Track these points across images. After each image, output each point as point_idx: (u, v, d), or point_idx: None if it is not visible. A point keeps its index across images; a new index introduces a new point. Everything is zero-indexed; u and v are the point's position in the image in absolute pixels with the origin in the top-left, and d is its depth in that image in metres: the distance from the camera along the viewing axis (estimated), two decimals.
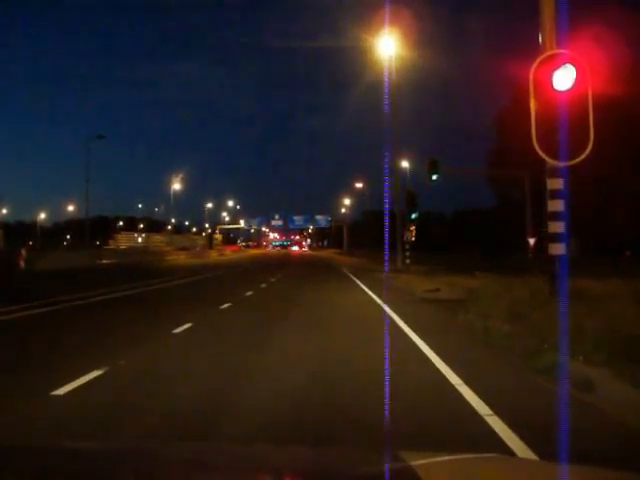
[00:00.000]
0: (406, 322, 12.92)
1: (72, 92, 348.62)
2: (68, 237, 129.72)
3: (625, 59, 38.64)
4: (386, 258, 35.20)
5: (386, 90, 35.19)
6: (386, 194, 36.71)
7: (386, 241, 32.68)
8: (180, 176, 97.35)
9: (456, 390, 7.05)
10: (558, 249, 10.75)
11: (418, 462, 2.72)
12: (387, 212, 35.30)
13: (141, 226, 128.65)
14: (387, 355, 8.44)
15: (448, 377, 7.67)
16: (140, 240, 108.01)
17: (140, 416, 6.12)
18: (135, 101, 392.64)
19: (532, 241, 39.83)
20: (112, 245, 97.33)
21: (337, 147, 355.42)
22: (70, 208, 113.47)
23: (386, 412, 5.81)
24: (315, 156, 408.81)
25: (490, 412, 6.06)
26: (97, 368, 8.01)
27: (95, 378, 7.63)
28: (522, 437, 5.26)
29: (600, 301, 10.68)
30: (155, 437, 5.53)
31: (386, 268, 34.55)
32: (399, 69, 36.75)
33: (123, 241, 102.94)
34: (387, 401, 6.14)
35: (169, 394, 6.99)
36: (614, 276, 14.99)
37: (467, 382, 7.28)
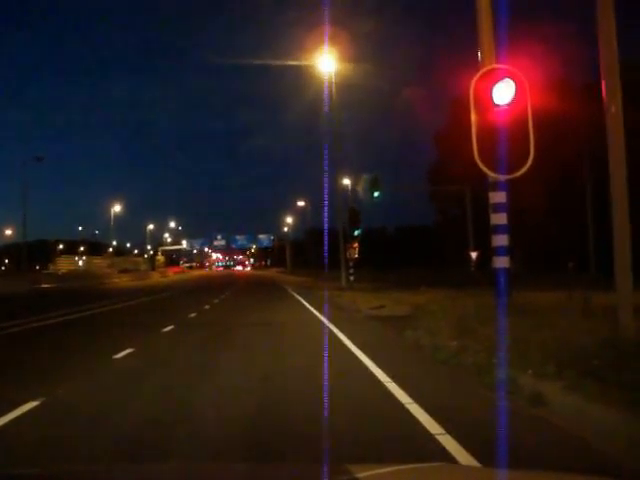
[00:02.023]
0: (352, 340, 12.80)
1: (9, 113, 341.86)
2: (6, 262, 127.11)
3: (557, 75, 39.56)
4: (330, 276, 35.25)
5: (325, 108, 35.31)
6: (325, 212, 36.66)
7: (325, 259, 32.74)
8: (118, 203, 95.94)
9: (406, 409, 6.92)
10: (501, 262, 10.76)
11: (364, 474, 2.74)
12: (326, 230, 35.37)
13: (82, 249, 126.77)
14: (333, 375, 8.31)
15: (397, 396, 7.55)
16: (81, 263, 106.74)
17: (77, 450, 5.82)
18: (74, 122, 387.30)
19: (474, 255, 40.34)
20: (52, 269, 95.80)
21: (279, 165, 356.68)
22: (8, 232, 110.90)
23: (332, 433, 5.67)
24: (257, 175, 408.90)
25: (442, 431, 5.94)
26: (33, 399, 7.63)
27: (30, 410, 7.26)
28: (475, 455, 5.16)
29: (545, 314, 10.73)
30: (103, 461, 5.30)
31: (330, 286, 34.54)
32: (340, 87, 36.94)
33: (63, 265, 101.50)
34: (333, 423, 6.00)
35: (109, 425, 6.68)
36: (558, 288, 15.17)
37: (417, 400, 7.16)
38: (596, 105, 9.37)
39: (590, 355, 7.24)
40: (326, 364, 9.19)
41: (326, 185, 35.77)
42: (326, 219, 37.52)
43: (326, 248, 33.71)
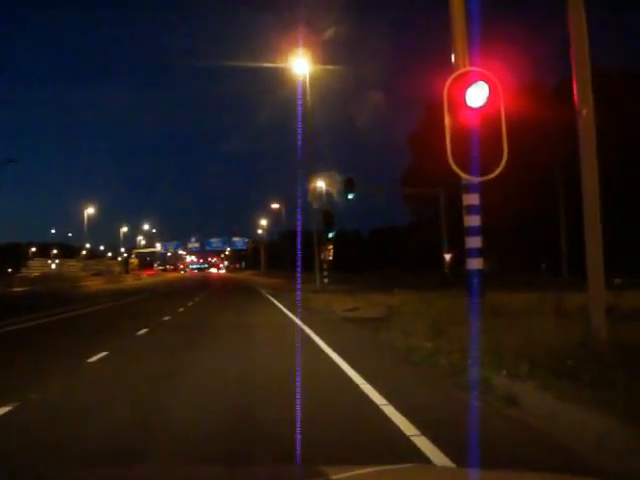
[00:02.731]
0: (326, 342, 12.80)
1: None
2: None
3: (532, 77, 39.96)
4: (304, 278, 35.28)
5: (299, 111, 35.33)
6: (299, 213, 36.78)
7: (299, 261, 32.75)
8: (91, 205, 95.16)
9: (381, 410, 6.94)
10: (475, 263, 10.82)
11: (339, 476, 2.75)
12: (300, 231, 35.35)
13: (55, 252, 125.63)
14: (307, 377, 8.29)
15: (372, 397, 7.57)
16: (54, 266, 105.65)
17: (50, 455, 5.73)
18: (46, 124, 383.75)
19: (448, 257, 40.50)
20: (24, 272, 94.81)
21: (254, 168, 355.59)
22: None
23: (307, 435, 5.66)
24: (232, 178, 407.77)
25: (417, 432, 5.96)
26: (6, 404, 7.53)
27: (3, 415, 7.18)
28: (450, 456, 5.18)
29: (519, 315, 10.80)
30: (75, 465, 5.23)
31: (304, 288, 34.54)
32: (314, 90, 36.96)
33: (36, 267, 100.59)
34: (307, 425, 5.98)
35: (85, 429, 6.61)
36: (532, 289, 15.32)
37: (392, 402, 7.18)
38: (569, 107, 9.43)
39: (563, 355, 7.30)
40: (300, 366, 9.16)
41: (300, 188, 35.88)
42: (300, 221, 37.54)
43: (302, 251, 33.71)
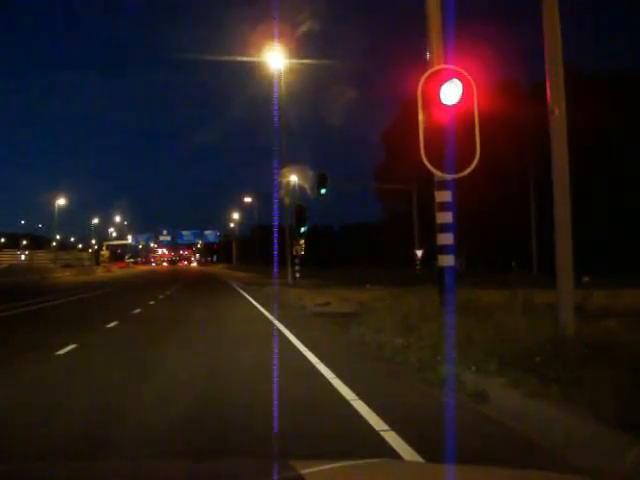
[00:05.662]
0: (298, 337, 12.81)
1: None
2: None
3: (506, 76, 40.24)
4: (276, 272, 35.32)
5: (275, 106, 35.24)
6: (275, 209, 36.74)
7: (275, 255, 32.75)
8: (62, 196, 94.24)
9: (351, 405, 6.96)
10: (447, 260, 10.89)
11: (308, 470, 2.76)
12: (276, 227, 35.31)
13: (24, 243, 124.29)
14: (279, 371, 8.30)
15: (342, 392, 7.58)
16: (23, 257, 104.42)
17: (15, 449, 5.70)
18: (16, 113, 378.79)
19: (419, 253, 40.72)
20: None
21: (227, 161, 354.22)
22: None
23: (277, 430, 5.68)
24: (205, 171, 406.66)
25: (386, 427, 5.99)
26: None
27: None
28: (419, 451, 5.23)
29: (489, 312, 10.86)
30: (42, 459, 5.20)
31: (276, 282, 34.52)
32: (287, 85, 36.87)
33: (5, 259, 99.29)
34: (278, 420, 6.00)
35: (53, 421, 6.58)
36: (501, 287, 15.40)
37: (362, 397, 7.21)
38: (541, 106, 9.51)
39: (532, 352, 7.37)
40: (271, 361, 9.17)
41: (275, 182, 35.82)
42: (276, 215, 37.51)
43: (276, 244, 33.71)
